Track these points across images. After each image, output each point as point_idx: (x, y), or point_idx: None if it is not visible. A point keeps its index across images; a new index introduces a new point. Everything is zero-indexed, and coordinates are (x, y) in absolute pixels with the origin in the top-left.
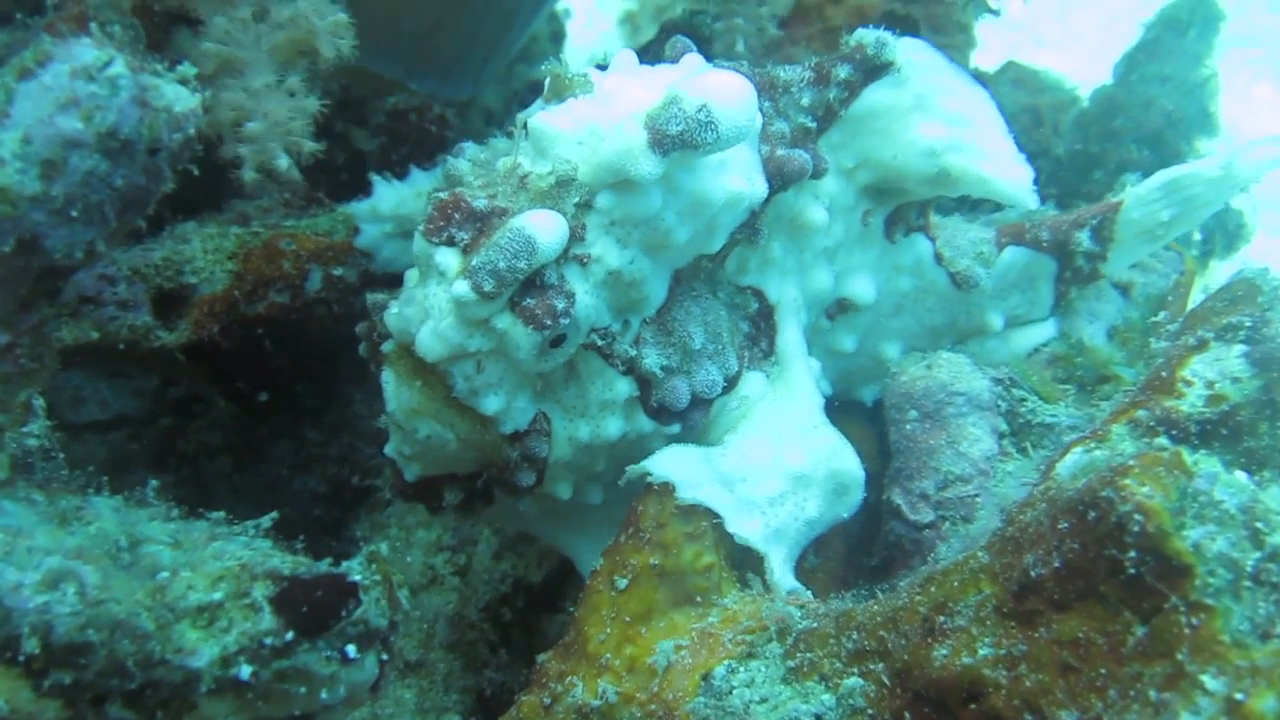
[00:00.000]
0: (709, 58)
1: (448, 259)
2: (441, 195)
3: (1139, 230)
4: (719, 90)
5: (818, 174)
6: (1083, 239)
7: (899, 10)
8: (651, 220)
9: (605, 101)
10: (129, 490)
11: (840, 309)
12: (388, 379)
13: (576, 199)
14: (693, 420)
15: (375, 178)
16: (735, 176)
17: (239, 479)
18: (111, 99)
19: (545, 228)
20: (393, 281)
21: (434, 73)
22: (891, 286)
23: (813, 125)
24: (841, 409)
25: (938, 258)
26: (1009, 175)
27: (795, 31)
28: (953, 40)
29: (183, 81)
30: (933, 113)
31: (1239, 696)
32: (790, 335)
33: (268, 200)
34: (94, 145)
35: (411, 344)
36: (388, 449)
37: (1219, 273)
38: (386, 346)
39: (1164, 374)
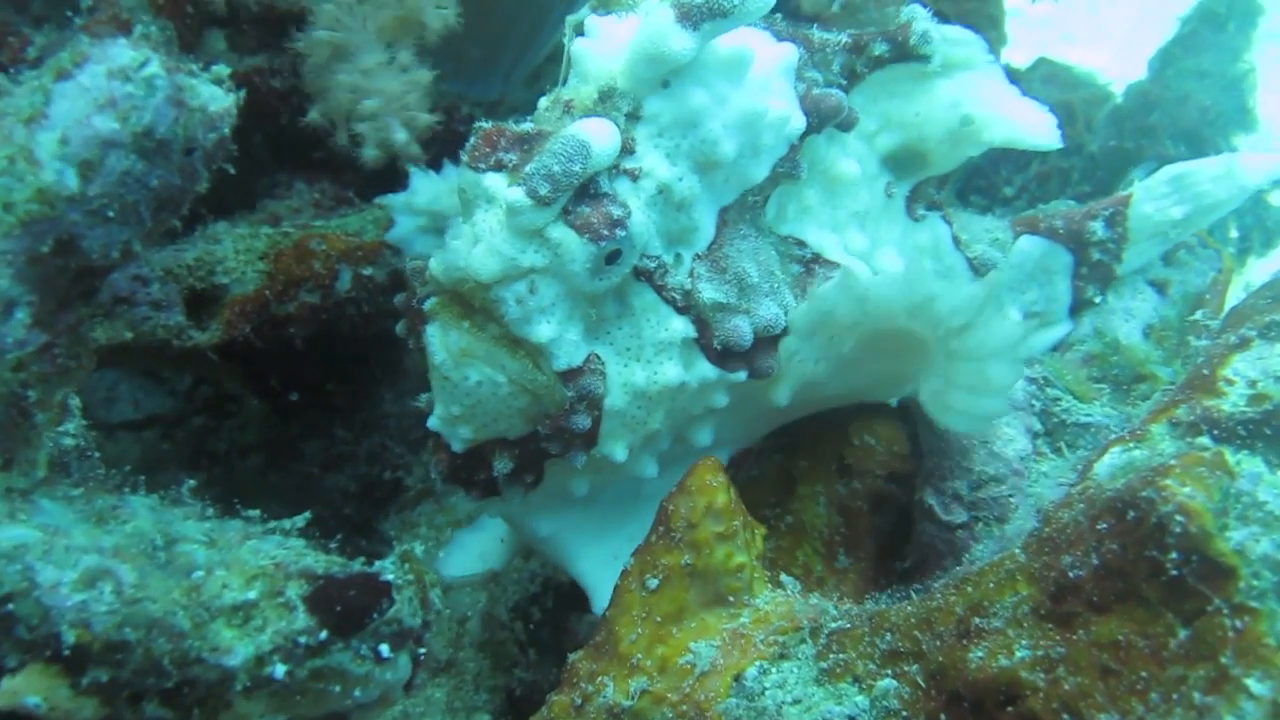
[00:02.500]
0: None
1: (496, 182)
2: (484, 125)
3: (1151, 222)
4: None
5: (849, 123)
6: (1097, 229)
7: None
8: (698, 125)
9: (635, 18)
10: (164, 489)
11: None
12: (432, 331)
13: (624, 109)
14: (762, 366)
15: (413, 169)
16: (777, 98)
17: (271, 477)
18: (147, 99)
19: (598, 131)
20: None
21: (463, 74)
22: (915, 268)
23: (843, 83)
24: (870, 406)
25: (955, 241)
26: (1032, 117)
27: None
28: (983, 36)
29: (217, 81)
30: (952, 76)
31: None
32: (853, 264)
33: (298, 200)
34: (130, 145)
35: (459, 280)
36: (432, 420)
37: (1257, 270)
38: (428, 304)
39: (1205, 372)
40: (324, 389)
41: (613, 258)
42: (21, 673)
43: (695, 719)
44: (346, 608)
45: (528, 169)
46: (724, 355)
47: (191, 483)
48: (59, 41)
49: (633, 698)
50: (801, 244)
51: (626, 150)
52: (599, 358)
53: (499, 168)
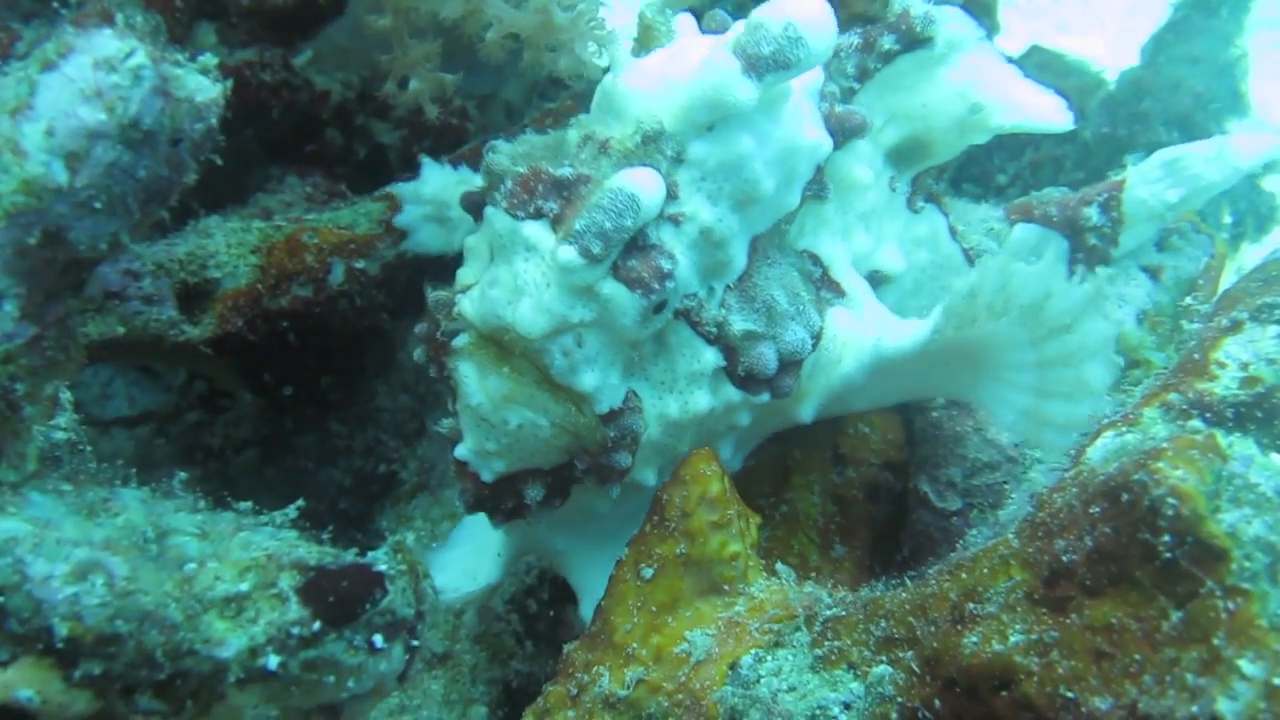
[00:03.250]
0: None
1: (538, 232)
2: (519, 170)
3: (1146, 206)
4: (800, 8)
5: (865, 132)
6: (1091, 214)
7: None
8: (742, 168)
9: (675, 56)
10: (156, 483)
11: (871, 283)
12: (467, 372)
13: (669, 152)
14: (784, 386)
15: (425, 159)
16: (810, 126)
17: (266, 472)
18: (133, 90)
19: (646, 183)
20: (423, 266)
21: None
22: (912, 260)
23: (857, 87)
24: None
25: (952, 231)
26: (1041, 101)
27: None
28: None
29: (204, 71)
30: (956, 63)
31: (1278, 681)
32: (853, 282)
33: (290, 194)
34: (117, 136)
35: (499, 330)
36: (462, 451)
37: (1250, 255)
38: (459, 342)
39: (1197, 356)
40: (318, 383)
41: (659, 307)
42: (14, 666)
43: (691, 708)
44: (339, 598)
45: (577, 225)
46: (748, 380)
47: (183, 475)
48: (45, 33)
49: (628, 687)
50: (815, 259)
51: (670, 195)
52: (636, 394)
53: (539, 215)
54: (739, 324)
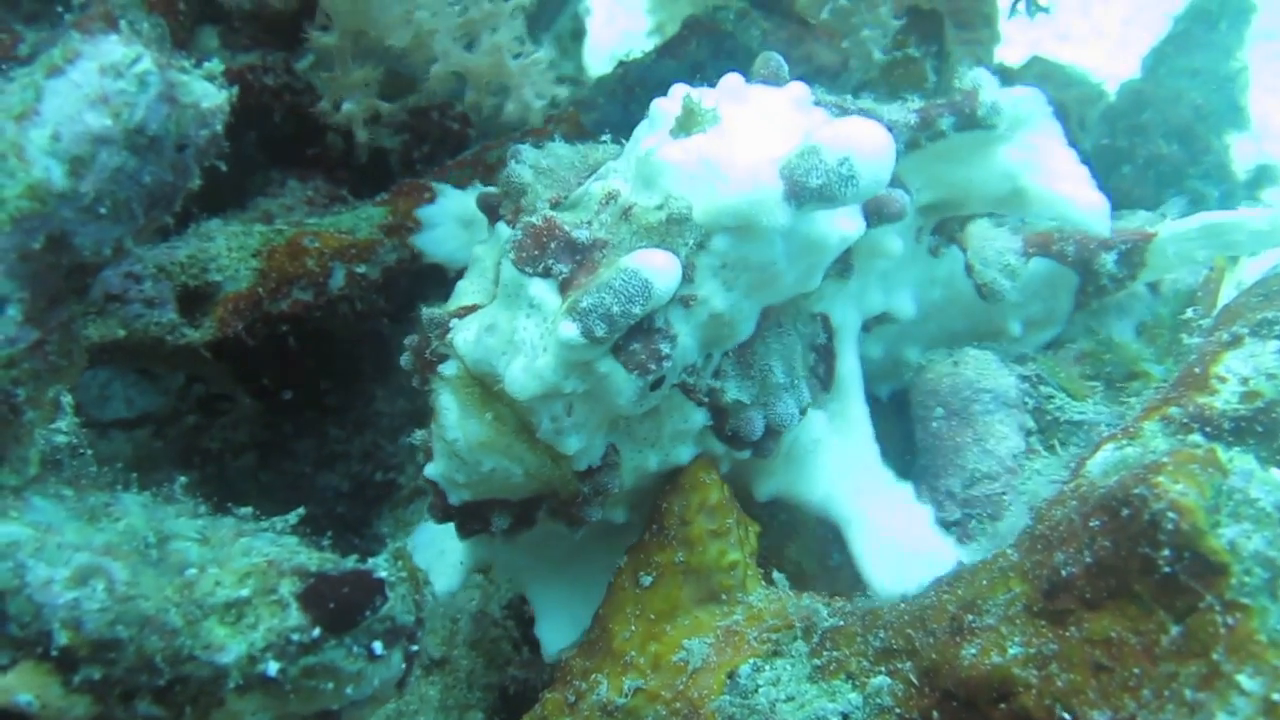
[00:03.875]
0: (730, 53)
1: (544, 292)
2: (534, 220)
3: (1170, 263)
4: (863, 143)
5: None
6: (1108, 261)
7: (923, 5)
8: (764, 263)
9: (721, 136)
10: (156, 487)
11: (877, 322)
12: (448, 405)
13: (691, 240)
14: (766, 448)
15: (442, 186)
16: (844, 219)
17: (263, 476)
18: (139, 95)
19: (662, 270)
20: (423, 272)
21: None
22: (925, 298)
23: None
24: None
25: (968, 269)
26: (1084, 200)
27: (818, 27)
28: (977, 35)
29: (209, 78)
30: (1011, 140)
31: (1276, 697)
32: (849, 363)
33: (291, 198)
34: (122, 142)
35: (488, 376)
36: (433, 471)
37: (1249, 268)
38: (447, 369)
39: (1197, 370)
40: (317, 387)
41: (657, 384)
42: (13, 671)
43: (689, 716)
44: (339, 605)
45: (585, 303)
46: (733, 439)
47: (184, 480)
48: (51, 38)
49: (626, 695)
50: (826, 323)
51: (686, 278)
52: (616, 449)
53: (547, 275)
54: (732, 393)
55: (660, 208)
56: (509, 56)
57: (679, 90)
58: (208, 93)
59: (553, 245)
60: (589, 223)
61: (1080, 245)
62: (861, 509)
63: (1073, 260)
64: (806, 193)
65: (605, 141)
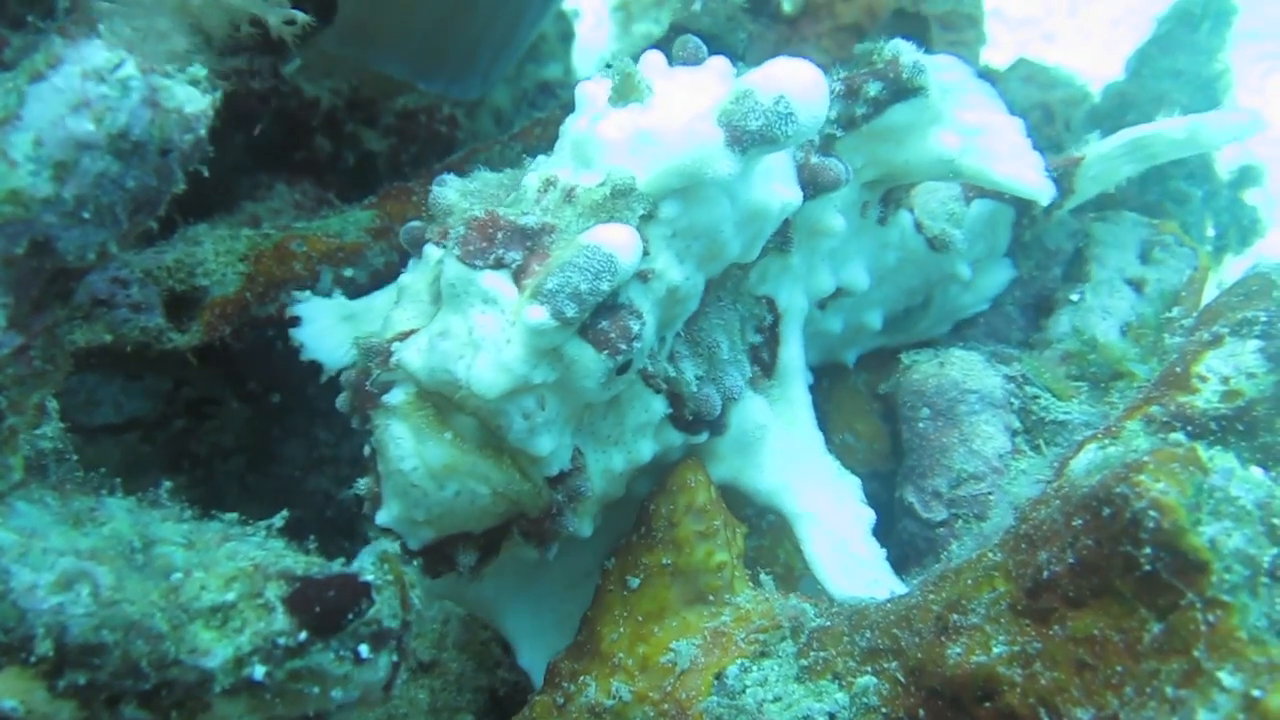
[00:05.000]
0: (721, 54)
1: (498, 283)
2: (475, 214)
3: (1097, 183)
4: (793, 80)
5: (842, 184)
6: None
7: (908, 7)
8: (712, 229)
9: (654, 107)
10: (143, 492)
11: (832, 297)
12: (400, 434)
13: (640, 209)
14: (720, 425)
15: (308, 298)
16: (780, 184)
17: (251, 480)
18: (122, 100)
19: (624, 244)
20: None
21: (443, 73)
22: (879, 265)
23: (840, 135)
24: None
25: (917, 226)
26: (1024, 179)
27: (805, 29)
28: (963, 37)
29: (193, 82)
30: (949, 123)
31: (1256, 693)
32: (793, 349)
33: (278, 202)
34: (105, 147)
35: (447, 385)
36: (386, 518)
37: (1233, 268)
38: (393, 398)
39: (1179, 370)
40: (305, 391)
41: (623, 368)
42: None
43: (677, 717)
44: (325, 608)
45: (550, 285)
46: (690, 424)
47: (169, 484)
48: (34, 43)
49: (614, 697)
50: (772, 305)
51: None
52: (581, 452)
53: (499, 266)
54: (690, 372)
55: (604, 184)
56: None
57: (602, 76)
58: (191, 97)
59: (500, 235)
60: (531, 212)
61: None
62: (812, 507)
63: (1010, 197)
64: (748, 136)
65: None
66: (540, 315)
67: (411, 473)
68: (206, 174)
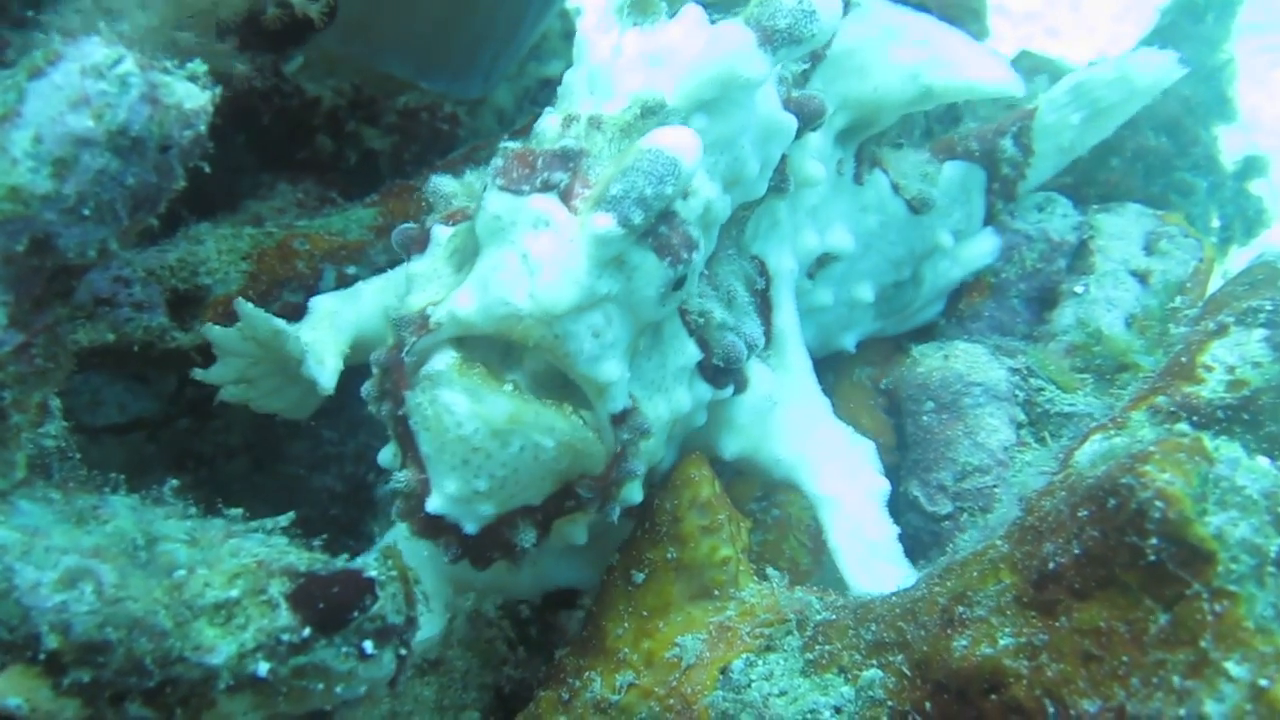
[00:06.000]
0: None
1: (549, 205)
2: (511, 147)
3: (1055, 137)
4: None
5: (821, 122)
6: (1007, 145)
7: None
8: (735, 146)
9: (669, 32)
10: (146, 490)
11: (819, 264)
12: (451, 400)
13: (675, 123)
14: (742, 379)
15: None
16: (779, 109)
17: (257, 479)
18: (122, 96)
19: (687, 145)
20: None
21: (445, 71)
22: (861, 228)
23: (807, 67)
24: (855, 400)
25: (895, 188)
26: (991, 74)
27: None
28: (966, 30)
29: (192, 78)
30: (901, 39)
31: (1263, 683)
32: (787, 314)
33: (281, 200)
34: (105, 143)
35: (508, 321)
36: (438, 504)
37: (1238, 259)
38: (436, 365)
39: (1184, 360)
40: None
41: (679, 283)
42: (2, 674)
43: (682, 712)
44: (329, 605)
45: (614, 191)
46: (717, 373)
47: (174, 482)
48: (34, 41)
49: (619, 692)
50: (763, 268)
51: None
52: (633, 396)
53: (547, 188)
54: (718, 313)
55: (631, 106)
56: None
57: (596, 4)
58: (190, 93)
59: (540, 161)
60: (564, 139)
61: (980, 138)
62: (832, 489)
63: (979, 154)
64: (778, 35)
65: None
66: (607, 222)
67: (473, 435)
68: (208, 170)
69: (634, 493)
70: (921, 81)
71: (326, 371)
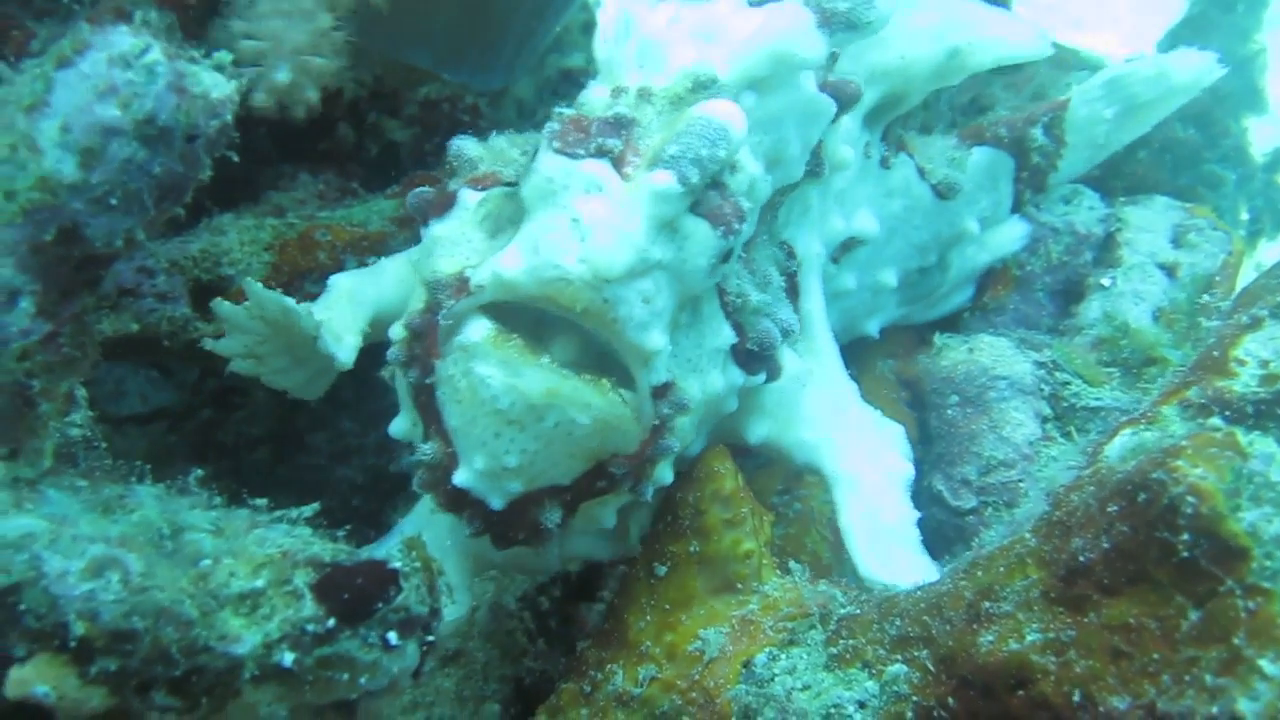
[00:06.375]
0: None
1: (603, 169)
2: (565, 111)
3: (1088, 130)
4: None
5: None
6: (1037, 135)
7: None
8: (780, 125)
9: (709, 7)
10: (171, 480)
11: (844, 249)
12: (487, 372)
13: (726, 98)
14: (775, 365)
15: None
16: (819, 93)
17: (279, 470)
18: (149, 86)
19: (734, 114)
20: None
21: (466, 63)
22: (886, 213)
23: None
24: (877, 391)
25: (921, 172)
26: (1017, 32)
27: None
28: None
29: (219, 68)
30: (920, 5)
31: None
32: (814, 300)
33: (302, 192)
34: (132, 133)
35: (556, 285)
36: (464, 477)
37: (1267, 253)
38: (472, 334)
39: (1216, 353)
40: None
41: (726, 256)
42: (30, 662)
43: (704, 706)
44: (354, 595)
45: (670, 151)
46: (750, 359)
47: (199, 472)
48: (61, 32)
49: (642, 685)
50: (791, 254)
51: None
52: (671, 372)
53: (601, 153)
54: (755, 297)
55: (683, 79)
56: None
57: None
58: (217, 83)
59: (594, 127)
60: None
61: (1010, 125)
62: (851, 468)
63: (1008, 142)
64: (837, 18)
65: None
66: (666, 179)
67: (509, 409)
68: (235, 159)
69: (666, 473)
70: (947, 42)
71: (345, 348)
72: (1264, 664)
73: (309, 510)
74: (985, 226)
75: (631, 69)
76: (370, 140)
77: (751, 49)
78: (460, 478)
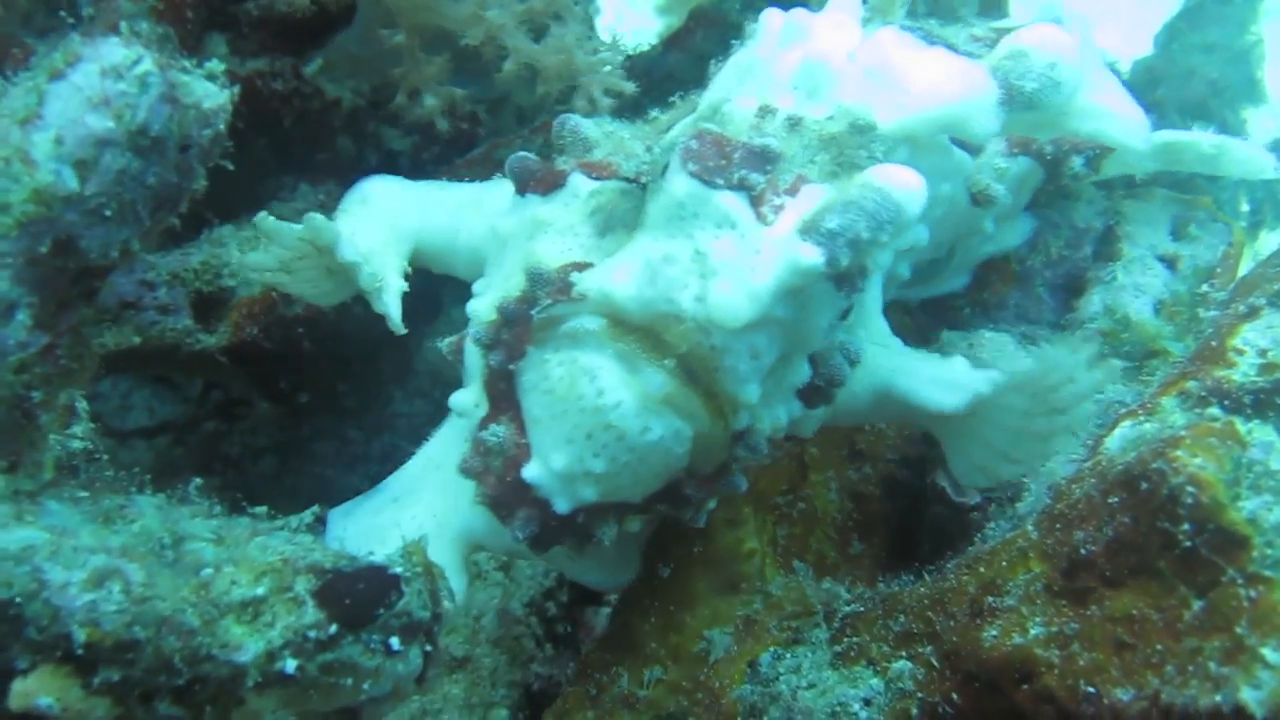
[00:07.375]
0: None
1: (738, 206)
2: (709, 128)
3: (1120, 170)
4: (1063, 48)
5: None
6: (1077, 164)
7: None
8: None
9: (876, 45)
10: (171, 489)
11: None
12: (600, 364)
13: (879, 151)
14: (830, 395)
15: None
16: (964, 154)
17: (284, 480)
18: (141, 97)
19: (915, 191)
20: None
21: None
22: (930, 218)
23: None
24: None
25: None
26: (1126, 117)
27: None
28: (985, 16)
29: (211, 78)
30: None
31: None
32: (872, 296)
33: (302, 203)
34: (125, 144)
35: (666, 319)
36: (538, 471)
37: (1268, 244)
38: (584, 324)
39: (1214, 344)
40: (334, 389)
41: (845, 314)
42: (33, 674)
43: (710, 706)
44: (355, 601)
45: (830, 225)
46: (813, 394)
47: (198, 481)
48: (53, 43)
49: (647, 686)
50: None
51: None
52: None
53: (741, 187)
54: (839, 334)
55: (840, 118)
56: (578, 52)
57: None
58: (209, 93)
59: (736, 155)
60: (762, 137)
61: (1057, 145)
62: (905, 363)
63: (1049, 159)
64: (1021, 97)
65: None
66: (814, 256)
67: (614, 409)
68: (231, 169)
69: (713, 501)
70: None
71: (394, 305)
72: (1266, 652)
73: (309, 516)
74: (1001, 225)
75: (785, 88)
76: (370, 150)
77: (924, 108)
78: (531, 472)
